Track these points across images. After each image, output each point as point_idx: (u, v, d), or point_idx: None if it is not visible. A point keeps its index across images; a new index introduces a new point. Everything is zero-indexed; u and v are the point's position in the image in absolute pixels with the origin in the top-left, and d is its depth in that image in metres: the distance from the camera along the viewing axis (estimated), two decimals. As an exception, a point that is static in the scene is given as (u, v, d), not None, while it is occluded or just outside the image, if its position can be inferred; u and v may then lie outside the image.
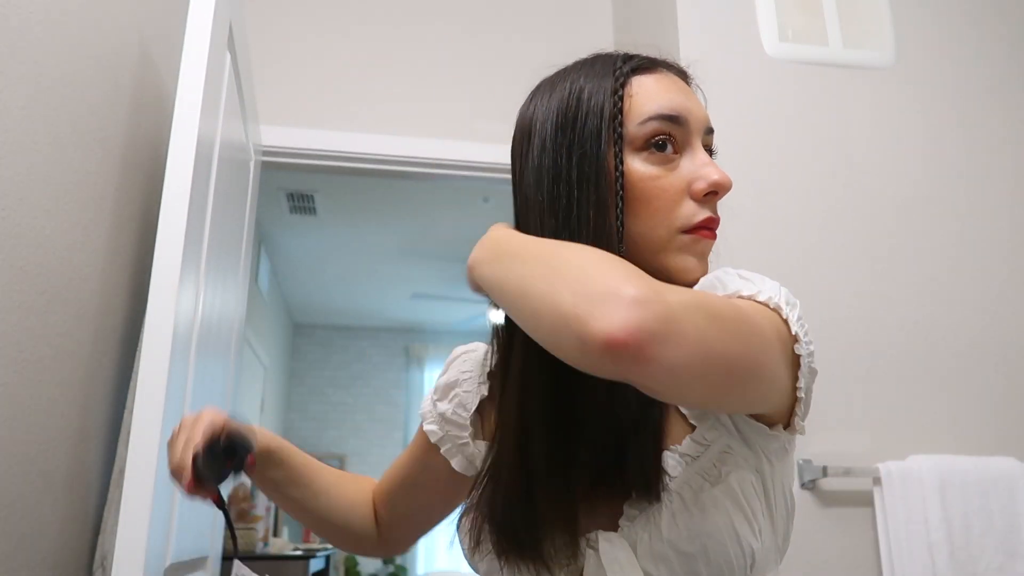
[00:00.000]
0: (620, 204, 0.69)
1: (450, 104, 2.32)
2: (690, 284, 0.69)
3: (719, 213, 0.72)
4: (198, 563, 1.46)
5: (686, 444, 0.68)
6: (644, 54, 0.76)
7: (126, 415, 1.26)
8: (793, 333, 0.63)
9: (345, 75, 2.30)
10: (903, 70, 2.04)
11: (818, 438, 1.72)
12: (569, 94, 0.72)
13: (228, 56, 1.49)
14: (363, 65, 2.33)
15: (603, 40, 2.47)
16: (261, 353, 5.18)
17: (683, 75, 0.78)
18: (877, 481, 1.67)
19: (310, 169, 2.30)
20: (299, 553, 3.76)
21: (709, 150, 0.74)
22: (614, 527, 0.66)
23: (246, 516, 3.52)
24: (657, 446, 0.67)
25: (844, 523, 1.69)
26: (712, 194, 0.71)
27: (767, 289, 0.66)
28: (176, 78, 1.22)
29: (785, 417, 0.66)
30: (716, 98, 2.06)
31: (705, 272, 0.71)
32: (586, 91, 0.72)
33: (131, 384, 1.29)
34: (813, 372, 0.65)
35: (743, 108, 1.95)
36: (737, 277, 0.68)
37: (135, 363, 1.25)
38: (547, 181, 0.70)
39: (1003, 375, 1.84)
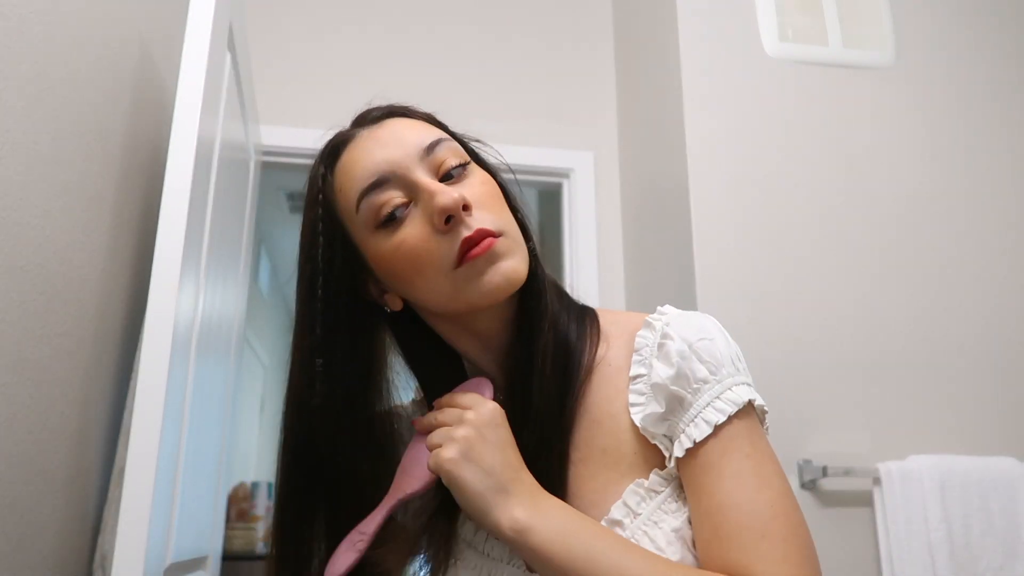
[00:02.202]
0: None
1: (448, 103, 2.30)
2: (505, 292, 0.67)
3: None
4: (198, 563, 1.46)
5: (652, 479, 0.67)
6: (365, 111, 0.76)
7: (126, 415, 1.26)
8: (757, 405, 0.67)
9: (345, 75, 2.30)
10: (903, 70, 2.04)
11: (818, 438, 1.72)
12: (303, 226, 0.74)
13: (228, 56, 1.49)
14: (363, 65, 2.33)
15: (603, 39, 2.47)
16: (261, 353, 5.18)
17: (388, 114, 0.75)
18: (877, 481, 1.67)
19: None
20: (299, 553, 3.75)
21: (446, 170, 0.70)
22: None
23: (246, 516, 3.52)
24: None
25: (844, 523, 1.69)
26: (452, 217, 0.66)
27: (728, 374, 0.66)
28: (176, 78, 1.22)
29: None
30: (716, 98, 2.07)
31: (513, 275, 0.67)
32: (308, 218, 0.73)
33: (131, 384, 1.28)
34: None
35: (743, 108, 1.95)
36: (707, 372, 0.66)
37: (135, 363, 1.25)
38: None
39: (1003, 375, 1.84)
